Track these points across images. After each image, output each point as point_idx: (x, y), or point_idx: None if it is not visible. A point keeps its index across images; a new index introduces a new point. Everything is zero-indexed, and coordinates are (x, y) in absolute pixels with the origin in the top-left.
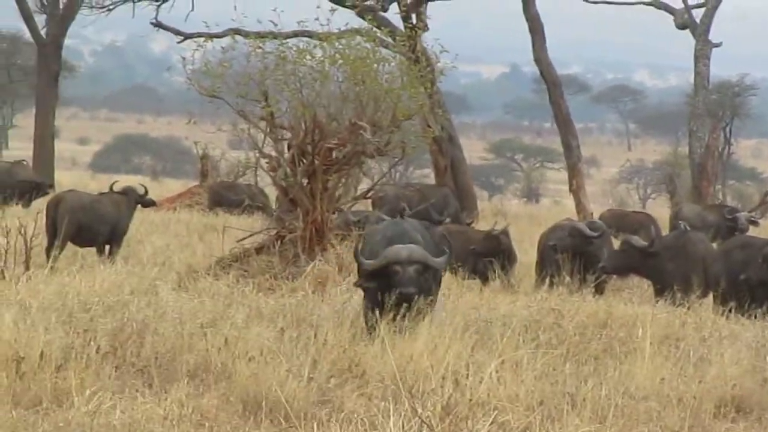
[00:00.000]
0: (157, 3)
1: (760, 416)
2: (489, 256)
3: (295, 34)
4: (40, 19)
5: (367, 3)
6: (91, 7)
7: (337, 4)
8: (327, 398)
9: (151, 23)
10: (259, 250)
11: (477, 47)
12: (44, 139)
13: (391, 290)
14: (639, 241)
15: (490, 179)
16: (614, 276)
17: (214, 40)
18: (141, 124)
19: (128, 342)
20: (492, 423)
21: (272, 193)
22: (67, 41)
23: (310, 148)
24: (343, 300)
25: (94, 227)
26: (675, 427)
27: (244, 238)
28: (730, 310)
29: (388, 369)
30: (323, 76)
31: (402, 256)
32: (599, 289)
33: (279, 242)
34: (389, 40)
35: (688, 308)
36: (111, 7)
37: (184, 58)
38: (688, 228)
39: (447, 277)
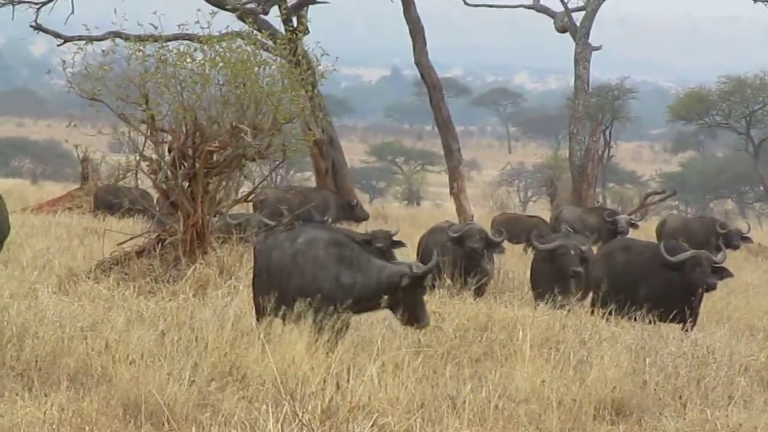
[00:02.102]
0: (37, 5)
1: (640, 418)
2: None
3: (176, 37)
4: None
5: (248, 6)
6: None
7: (217, 6)
8: (208, 401)
9: (31, 26)
10: (139, 253)
11: (358, 51)
12: None
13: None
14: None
15: (371, 182)
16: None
17: (95, 42)
18: (21, 127)
19: (8, 346)
20: (372, 426)
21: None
22: None
23: (190, 151)
24: (224, 303)
25: None
26: (555, 429)
27: (124, 242)
28: (610, 313)
29: (268, 372)
30: (204, 79)
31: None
32: (480, 292)
33: (160, 245)
34: (270, 43)
35: (569, 311)
36: None
37: (64, 61)
38: (571, 231)
39: None
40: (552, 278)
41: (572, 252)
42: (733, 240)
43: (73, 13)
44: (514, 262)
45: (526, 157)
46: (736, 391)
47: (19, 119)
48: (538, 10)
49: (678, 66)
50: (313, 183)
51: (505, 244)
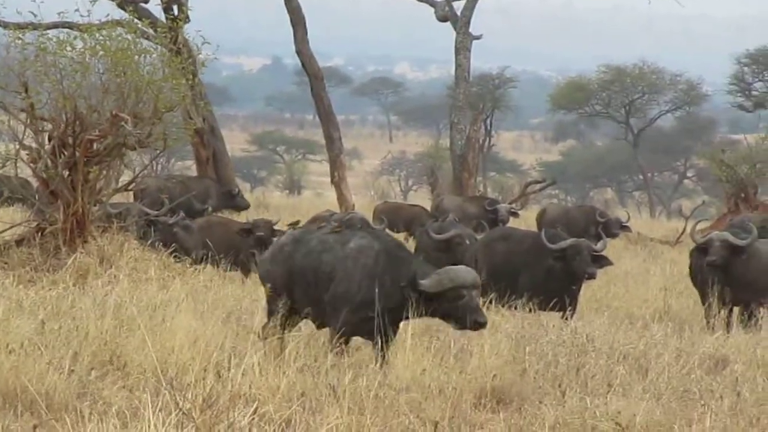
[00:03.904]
0: None
1: (520, 406)
2: (249, 247)
3: (56, 26)
4: None
5: None
6: None
7: None
8: (87, 390)
9: None
10: (19, 242)
11: (239, 39)
12: None
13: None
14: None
15: (252, 171)
16: None
17: None
18: None
19: None
20: (253, 414)
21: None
22: None
23: (71, 139)
24: (105, 292)
25: None
26: (436, 417)
27: (4, 231)
28: (490, 302)
29: (149, 361)
30: (84, 67)
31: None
32: None
33: (39, 234)
34: (150, 31)
35: None
36: None
37: None
38: (457, 220)
39: (208, 270)
40: (436, 266)
41: (467, 241)
42: (613, 228)
43: None
44: None
45: (407, 146)
46: (615, 379)
47: None
48: (419, 0)
49: (558, 56)
50: (194, 172)
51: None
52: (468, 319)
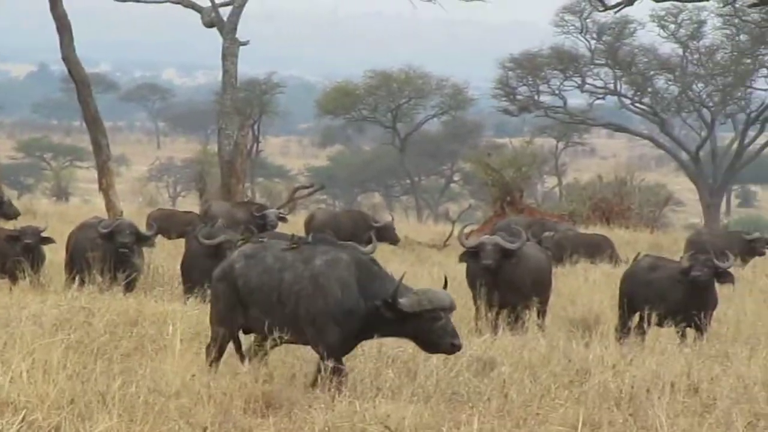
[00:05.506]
0: None
1: (290, 411)
2: (16, 255)
3: None
4: None
5: None
6: None
7: None
8: None
9: None
10: None
11: (3, 46)
12: None
13: None
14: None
15: (20, 178)
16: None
17: None
18: None
19: None
20: (21, 422)
21: None
22: None
23: None
24: None
25: None
26: (206, 423)
27: None
28: None
29: None
30: None
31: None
32: (130, 287)
33: None
34: None
35: None
36: None
37: None
38: (225, 225)
39: None
40: (205, 272)
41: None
42: (389, 233)
43: None
44: (163, 257)
45: (175, 152)
46: (384, 382)
47: None
48: (185, 6)
49: (325, 61)
50: None
51: (159, 239)
52: (444, 342)
